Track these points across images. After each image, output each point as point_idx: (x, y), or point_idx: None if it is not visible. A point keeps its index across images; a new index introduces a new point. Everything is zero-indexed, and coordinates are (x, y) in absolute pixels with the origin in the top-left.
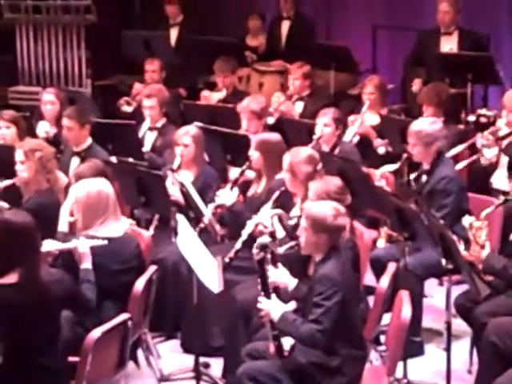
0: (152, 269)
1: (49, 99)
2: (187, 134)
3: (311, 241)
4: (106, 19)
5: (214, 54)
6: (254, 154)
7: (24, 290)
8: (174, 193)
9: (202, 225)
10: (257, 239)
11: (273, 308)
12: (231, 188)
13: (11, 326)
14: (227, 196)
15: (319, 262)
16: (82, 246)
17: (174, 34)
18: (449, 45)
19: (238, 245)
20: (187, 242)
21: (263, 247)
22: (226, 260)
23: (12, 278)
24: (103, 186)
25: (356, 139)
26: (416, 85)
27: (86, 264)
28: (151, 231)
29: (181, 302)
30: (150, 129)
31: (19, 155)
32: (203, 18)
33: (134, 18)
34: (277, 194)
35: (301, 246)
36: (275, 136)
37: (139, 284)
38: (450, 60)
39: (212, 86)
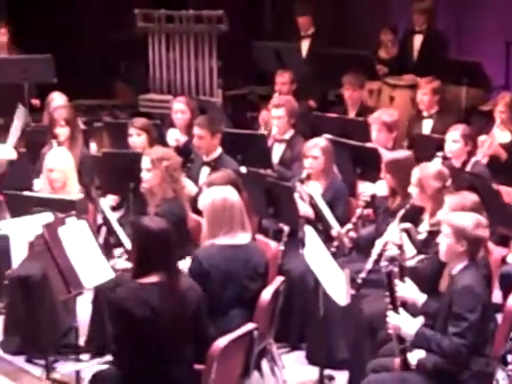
0: (279, 280)
1: (179, 108)
2: (316, 146)
3: (451, 248)
4: (237, 29)
5: (345, 67)
6: (386, 177)
7: (164, 290)
8: (303, 208)
9: (335, 243)
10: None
11: (405, 323)
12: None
13: (150, 323)
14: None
15: (458, 273)
16: None
17: (305, 45)
18: None
19: (369, 265)
20: (315, 253)
21: (392, 260)
22: (359, 281)
23: (153, 279)
24: (229, 194)
25: (485, 159)
26: None
27: None
28: (282, 246)
29: (307, 314)
30: (278, 141)
31: (146, 163)
32: (335, 30)
33: (265, 29)
34: (402, 211)
35: (439, 253)
36: (404, 153)
37: (266, 294)
38: None
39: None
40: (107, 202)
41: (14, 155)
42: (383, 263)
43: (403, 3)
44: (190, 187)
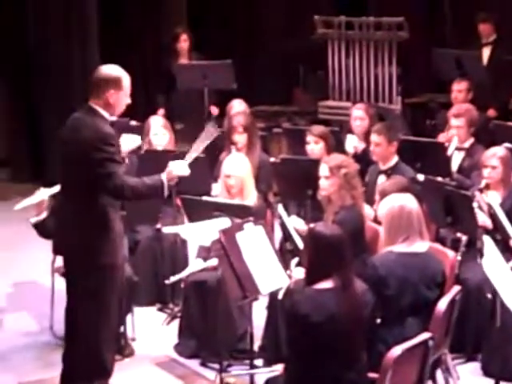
0: (456, 289)
1: (358, 115)
2: (495, 156)
3: None
4: (417, 36)
5: None
6: None
7: (340, 295)
8: (482, 217)
9: None
10: None
11: None
12: None
13: (327, 328)
14: None
15: None
16: None
17: (486, 53)
18: None
19: None
20: (493, 263)
21: None
22: None
23: (327, 285)
24: (407, 202)
25: None
26: None
27: None
28: (459, 256)
29: (483, 324)
30: (458, 149)
31: (324, 170)
32: None
33: (445, 36)
34: None
35: None
36: None
37: (442, 303)
38: None
39: None
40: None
41: (188, 172)
42: None
43: None
44: (367, 211)
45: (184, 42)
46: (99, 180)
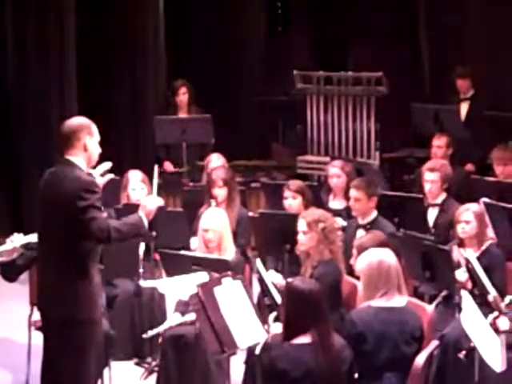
0: (433, 344)
1: (334, 172)
2: (468, 211)
3: None
4: (396, 91)
5: (504, 130)
6: None
7: (318, 350)
8: (461, 277)
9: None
10: None
11: None
12: None
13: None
14: None
15: None
16: None
17: (464, 108)
18: None
19: None
20: (471, 318)
21: None
22: None
23: (305, 340)
24: (385, 257)
25: None
26: None
27: None
28: (432, 306)
29: (461, 380)
30: (431, 205)
31: (302, 225)
32: (495, 93)
33: (424, 91)
34: None
35: None
36: None
37: (420, 358)
38: None
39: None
40: None
41: (161, 202)
42: None
43: None
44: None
45: (183, 95)
46: (83, 227)
